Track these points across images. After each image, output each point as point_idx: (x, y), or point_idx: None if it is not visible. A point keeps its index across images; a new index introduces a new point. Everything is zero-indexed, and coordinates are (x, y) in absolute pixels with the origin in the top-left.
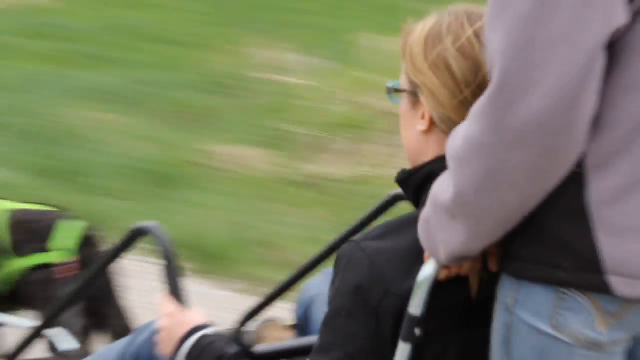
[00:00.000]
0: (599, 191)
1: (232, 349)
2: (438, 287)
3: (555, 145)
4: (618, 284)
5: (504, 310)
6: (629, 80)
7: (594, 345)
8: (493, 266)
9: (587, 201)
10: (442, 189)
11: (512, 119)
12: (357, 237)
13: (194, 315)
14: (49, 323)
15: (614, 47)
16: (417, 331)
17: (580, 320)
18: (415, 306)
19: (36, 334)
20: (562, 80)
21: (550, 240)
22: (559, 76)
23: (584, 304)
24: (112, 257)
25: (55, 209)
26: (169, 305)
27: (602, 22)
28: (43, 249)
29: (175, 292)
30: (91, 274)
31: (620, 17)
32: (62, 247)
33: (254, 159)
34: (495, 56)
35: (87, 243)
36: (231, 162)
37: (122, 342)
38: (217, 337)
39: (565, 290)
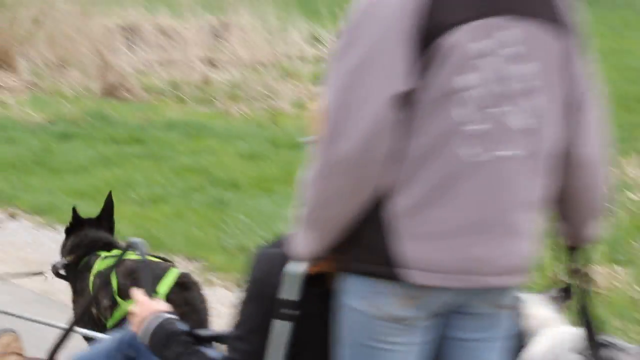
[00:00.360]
0: (399, 207)
1: (183, 327)
2: (308, 279)
3: (360, 175)
4: (416, 276)
5: (337, 296)
6: (415, 126)
7: (401, 320)
8: (329, 266)
9: (391, 215)
10: (302, 209)
11: (332, 157)
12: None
13: (158, 304)
14: None
15: (410, 103)
16: (286, 311)
17: (390, 302)
18: (284, 292)
19: None
20: (362, 132)
21: (368, 243)
22: (360, 129)
23: (392, 290)
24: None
25: (166, 261)
26: (140, 296)
27: (386, 91)
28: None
29: (147, 288)
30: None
31: (400, 86)
32: (159, 292)
33: (622, 278)
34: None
35: (181, 288)
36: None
37: (119, 333)
38: (172, 319)
39: (378, 280)
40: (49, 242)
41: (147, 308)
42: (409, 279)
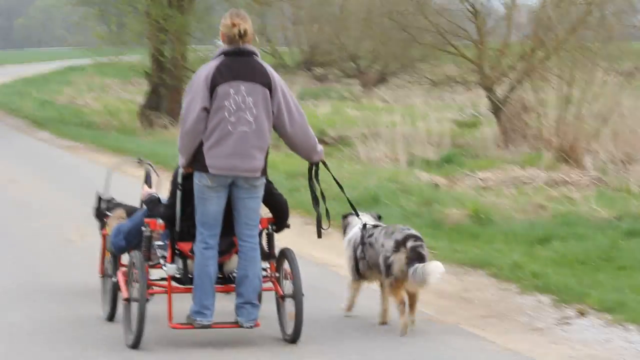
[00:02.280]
0: (206, 147)
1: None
2: (184, 175)
3: (192, 137)
4: (211, 170)
5: (194, 179)
6: (210, 118)
7: (209, 187)
8: (189, 169)
9: (204, 150)
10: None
11: (182, 130)
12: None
13: (151, 190)
14: None
15: (208, 110)
16: (179, 186)
17: (205, 180)
18: (178, 179)
19: None
20: (191, 121)
21: (199, 160)
22: (190, 120)
23: (206, 176)
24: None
25: None
26: (146, 188)
27: (199, 106)
28: None
29: (149, 184)
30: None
31: (205, 104)
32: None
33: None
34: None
35: None
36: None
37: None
38: (154, 196)
39: (201, 173)
40: (618, 341)
41: (146, 192)
42: (210, 172)
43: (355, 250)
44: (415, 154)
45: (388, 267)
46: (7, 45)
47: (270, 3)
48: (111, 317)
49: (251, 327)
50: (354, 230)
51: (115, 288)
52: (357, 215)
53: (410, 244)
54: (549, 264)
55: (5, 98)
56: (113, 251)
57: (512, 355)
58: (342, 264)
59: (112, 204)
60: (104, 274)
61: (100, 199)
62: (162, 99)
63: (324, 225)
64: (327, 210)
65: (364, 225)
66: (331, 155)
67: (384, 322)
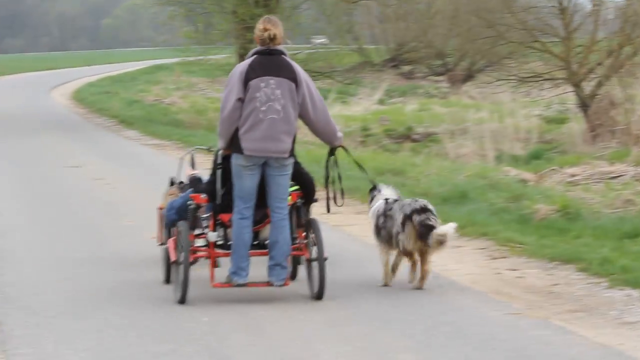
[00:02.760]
0: (241, 132)
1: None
2: (224, 156)
3: (229, 123)
4: (246, 152)
5: (232, 160)
6: (244, 107)
7: (245, 166)
8: (227, 151)
9: (239, 134)
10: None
11: (221, 118)
12: None
13: (195, 171)
14: None
15: (242, 100)
16: (219, 166)
17: (241, 160)
18: (218, 160)
19: None
20: (227, 109)
21: (235, 143)
22: (227, 109)
23: (242, 157)
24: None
25: None
26: (189, 170)
27: (234, 97)
28: None
29: (193, 167)
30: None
31: (240, 94)
32: None
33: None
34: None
35: None
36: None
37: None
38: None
39: (238, 154)
40: None
41: (189, 173)
42: (245, 153)
43: (377, 220)
44: (503, 150)
45: (397, 242)
46: (94, 46)
47: (357, 1)
48: (167, 280)
49: (281, 285)
50: (379, 203)
51: (167, 254)
52: (379, 192)
53: (417, 218)
54: (639, 259)
55: (93, 97)
56: (167, 223)
57: (602, 349)
58: (434, 260)
59: (182, 186)
60: (161, 243)
61: (172, 182)
62: None
63: (339, 202)
64: (342, 190)
65: (386, 200)
66: (419, 152)
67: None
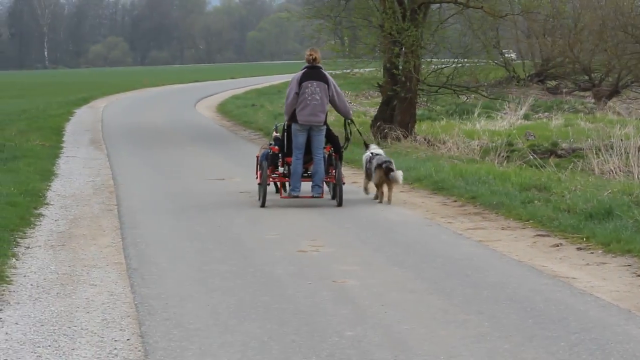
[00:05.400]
0: (297, 109)
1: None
2: (288, 125)
3: (291, 105)
4: (300, 121)
5: (292, 127)
6: (299, 97)
7: (299, 129)
8: (290, 121)
9: (297, 111)
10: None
11: (287, 103)
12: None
13: (276, 134)
14: None
15: (299, 93)
16: (284, 130)
17: (297, 126)
18: (284, 126)
19: None
20: (291, 100)
21: (294, 116)
22: (290, 98)
23: (298, 124)
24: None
25: None
26: (274, 134)
27: (294, 91)
28: None
29: (277, 131)
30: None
31: (296, 90)
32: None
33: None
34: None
35: None
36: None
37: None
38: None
39: (295, 123)
40: None
41: (274, 135)
42: (299, 122)
43: (366, 163)
44: None
45: (371, 176)
46: (240, 58)
47: (504, 16)
48: (263, 204)
49: (318, 196)
50: (367, 154)
51: (261, 186)
52: (367, 147)
53: (384, 165)
54: None
55: (238, 110)
56: (260, 163)
57: None
58: (579, 277)
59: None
60: (259, 182)
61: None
62: (394, 111)
63: (345, 146)
64: (348, 139)
65: (372, 153)
66: (563, 167)
67: (377, 198)
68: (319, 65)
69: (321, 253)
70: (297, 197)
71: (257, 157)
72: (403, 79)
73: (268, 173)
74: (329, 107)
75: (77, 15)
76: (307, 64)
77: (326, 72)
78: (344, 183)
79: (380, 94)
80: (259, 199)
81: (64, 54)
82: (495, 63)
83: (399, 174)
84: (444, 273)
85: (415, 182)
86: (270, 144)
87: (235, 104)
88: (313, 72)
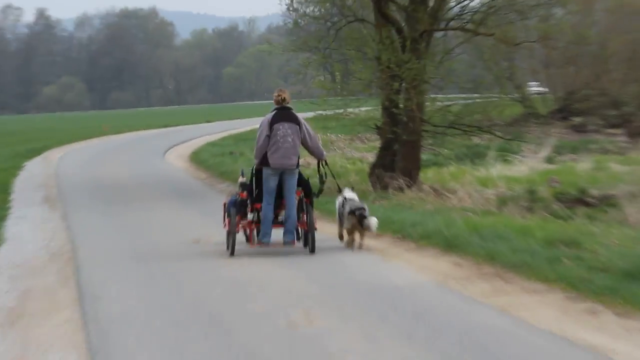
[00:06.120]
0: (269, 154)
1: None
2: (256, 170)
3: (261, 150)
4: (272, 165)
5: (263, 172)
6: (271, 141)
7: (270, 174)
8: (260, 166)
9: (268, 155)
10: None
11: (257, 147)
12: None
13: (242, 179)
14: None
15: (270, 136)
16: (254, 175)
17: (269, 171)
18: (254, 171)
19: None
20: (261, 142)
21: (266, 160)
22: (261, 141)
23: (269, 169)
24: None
25: None
26: (240, 178)
27: (265, 134)
28: None
29: (242, 176)
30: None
31: (267, 133)
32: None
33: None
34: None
35: None
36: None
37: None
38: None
39: (267, 167)
40: None
41: (240, 179)
42: (272, 165)
43: (338, 209)
44: None
45: (341, 221)
46: (215, 99)
47: (519, 44)
48: (232, 253)
49: (290, 242)
50: (339, 199)
51: (230, 235)
52: (340, 191)
53: (357, 212)
54: None
55: (214, 159)
56: (227, 211)
57: None
58: (620, 349)
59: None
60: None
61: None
62: (395, 156)
63: (319, 193)
64: (323, 183)
65: (345, 198)
66: (595, 218)
67: (349, 246)
68: (289, 106)
69: (316, 327)
70: (268, 245)
71: (224, 204)
72: (404, 119)
73: (236, 220)
74: (301, 148)
75: (26, 52)
76: (276, 106)
77: (297, 113)
78: (316, 229)
79: (378, 136)
80: (228, 248)
81: (11, 98)
82: (511, 98)
83: (372, 221)
84: (461, 347)
85: (422, 239)
86: (239, 190)
87: (210, 152)
88: (284, 114)
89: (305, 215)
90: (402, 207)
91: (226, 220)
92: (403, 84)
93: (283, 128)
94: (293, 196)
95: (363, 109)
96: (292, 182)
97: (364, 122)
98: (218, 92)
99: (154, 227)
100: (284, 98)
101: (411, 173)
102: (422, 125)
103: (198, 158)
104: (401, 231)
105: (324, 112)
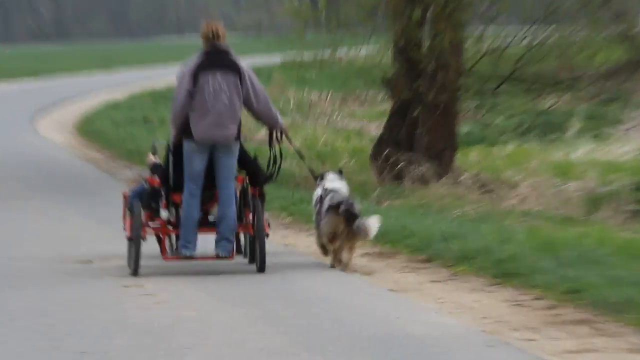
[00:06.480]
0: (192, 119)
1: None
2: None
3: (180, 113)
4: (196, 138)
5: (184, 146)
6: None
7: (196, 150)
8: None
9: (190, 121)
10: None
11: (173, 109)
12: None
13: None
14: None
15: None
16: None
17: (192, 145)
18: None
19: None
20: (179, 100)
21: (188, 130)
22: (179, 100)
23: (192, 142)
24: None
25: None
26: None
27: (185, 88)
28: None
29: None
30: None
31: (189, 86)
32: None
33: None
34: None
35: None
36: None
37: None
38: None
39: (189, 139)
40: None
41: (150, 160)
42: (196, 138)
43: (315, 205)
44: None
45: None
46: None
47: None
48: (135, 271)
49: (226, 257)
50: (317, 190)
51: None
52: (318, 179)
53: (341, 208)
54: None
55: (118, 130)
56: (128, 207)
57: None
58: None
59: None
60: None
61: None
62: (416, 128)
63: (273, 179)
64: (278, 168)
65: (325, 189)
66: None
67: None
68: (225, 46)
69: None
70: (191, 258)
71: (125, 196)
72: (431, 67)
73: (144, 220)
74: (243, 111)
75: None
76: (204, 47)
77: (236, 58)
78: (267, 234)
79: (387, 96)
80: (129, 265)
81: None
82: (607, 35)
83: (370, 223)
84: None
85: (459, 262)
86: (148, 175)
87: (111, 117)
88: (215, 58)
89: (250, 214)
90: (426, 210)
91: (127, 220)
92: (429, 11)
93: (214, 80)
94: (231, 184)
95: (362, 51)
96: (229, 163)
97: (363, 72)
98: (124, 22)
99: (16, 239)
100: (217, 34)
101: (442, 154)
102: (460, 79)
103: (90, 128)
104: (424, 249)
105: (298, 57)
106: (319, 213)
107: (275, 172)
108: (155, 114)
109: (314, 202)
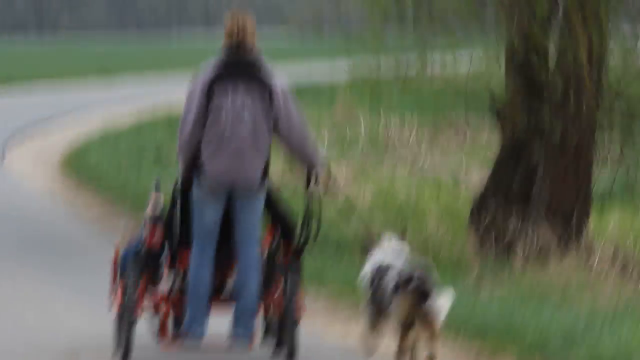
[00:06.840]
0: (204, 156)
1: None
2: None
3: (189, 141)
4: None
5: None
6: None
7: (208, 195)
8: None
9: (202, 159)
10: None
11: (181, 140)
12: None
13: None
14: None
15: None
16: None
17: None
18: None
19: None
20: (186, 127)
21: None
22: (186, 125)
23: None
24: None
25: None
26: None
27: (195, 108)
28: None
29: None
30: None
31: (201, 106)
32: None
33: None
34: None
35: None
36: None
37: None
38: None
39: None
40: None
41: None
42: (210, 177)
43: (372, 281)
44: None
45: (382, 311)
46: (124, 26)
47: None
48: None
49: (244, 340)
50: (370, 265)
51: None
52: (367, 249)
53: (411, 285)
54: None
55: (117, 167)
56: (120, 272)
57: None
58: None
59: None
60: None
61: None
62: (534, 173)
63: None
64: (317, 232)
65: (379, 265)
66: None
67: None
68: (252, 52)
69: None
70: (199, 342)
71: (115, 257)
72: (560, 91)
73: (139, 291)
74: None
75: None
76: (225, 49)
77: (267, 67)
78: (296, 321)
79: (497, 131)
80: (116, 350)
81: None
82: None
83: (441, 304)
84: None
85: None
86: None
87: (111, 146)
88: (237, 67)
89: (280, 288)
90: (543, 299)
91: (116, 292)
92: (561, 8)
93: (234, 97)
94: (254, 243)
95: (462, 63)
96: (252, 215)
97: (465, 93)
98: (130, 11)
99: None
100: (243, 32)
101: (570, 217)
102: (601, 108)
103: (81, 164)
104: (541, 349)
105: (373, 68)
106: (375, 293)
107: (314, 232)
108: (170, 140)
109: (364, 278)
